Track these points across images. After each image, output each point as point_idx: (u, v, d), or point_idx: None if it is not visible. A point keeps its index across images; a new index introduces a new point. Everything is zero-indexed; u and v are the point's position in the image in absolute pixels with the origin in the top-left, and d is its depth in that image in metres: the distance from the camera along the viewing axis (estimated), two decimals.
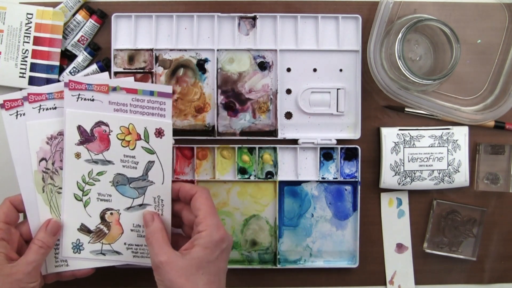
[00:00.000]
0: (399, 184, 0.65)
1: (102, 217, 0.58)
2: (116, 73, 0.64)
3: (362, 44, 0.65)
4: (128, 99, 0.56)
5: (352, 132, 0.66)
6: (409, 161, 0.65)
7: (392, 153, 0.65)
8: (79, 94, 0.55)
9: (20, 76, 0.63)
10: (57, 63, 0.64)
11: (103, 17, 0.64)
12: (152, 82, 0.65)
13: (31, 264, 0.53)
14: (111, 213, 0.58)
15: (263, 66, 0.65)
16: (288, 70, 0.66)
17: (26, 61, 0.63)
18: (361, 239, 0.66)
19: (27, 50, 0.63)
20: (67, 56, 0.65)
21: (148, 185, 0.57)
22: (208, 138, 0.65)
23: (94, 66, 0.64)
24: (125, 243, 0.59)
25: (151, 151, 0.57)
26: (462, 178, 0.66)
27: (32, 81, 0.63)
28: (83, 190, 0.58)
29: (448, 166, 0.65)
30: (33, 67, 0.63)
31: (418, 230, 0.68)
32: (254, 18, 0.65)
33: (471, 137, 0.66)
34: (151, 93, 0.56)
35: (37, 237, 0.55)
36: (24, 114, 0.57)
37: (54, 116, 0.57)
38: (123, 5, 0.65)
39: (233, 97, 0.65)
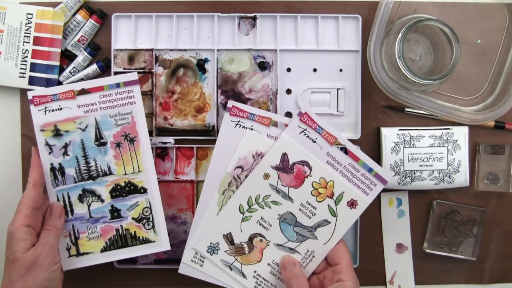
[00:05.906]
0: (399, 184, 0.65)
1: (251, 239, 0.59)
2: (116, 73, 0.64)
3: (362, 44, 0.65)
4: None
5: (352, 132, 0.66)
6: (409, 161, 0.65)
7: (392, 153, 0.65)
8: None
9: (20, 76, 0.63)
10: (57, 63, 0.64)
11: (103, 17, 0.64)
12: (152, 82, 0.65)
13: (47, 246, 0.55)
14: (261, 240, 0.59)
15: (263, 66, 0.65)
16: (288, 70, 0.66)
17: (26, 61, 0.63)
18: (361, 239, 0.66)
19: (27, 50, 0.63)
20: (67, 56, 0.65)
21: (310, 238, 0.58)
22: (208, 138, 0.65)
23: (94, 66, 0.64)
24: (255, 271, 0.59)
25: (334, 214, 0.58)
26: (462, 178, 0.66)
27: (32, 81, 0.63)
28: (250, 207, 0.58)
29: (448, 166, 0.65)
30: (33, 67, 0.63)
31: (418, 230, 0.68)
32: (254, 18, 0.65)
33: (471, 137, 0.66)
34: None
35: (47, 223, 0.57)
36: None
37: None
38: (123, 5, 0.65)
39: (233, 97, 0.65)
